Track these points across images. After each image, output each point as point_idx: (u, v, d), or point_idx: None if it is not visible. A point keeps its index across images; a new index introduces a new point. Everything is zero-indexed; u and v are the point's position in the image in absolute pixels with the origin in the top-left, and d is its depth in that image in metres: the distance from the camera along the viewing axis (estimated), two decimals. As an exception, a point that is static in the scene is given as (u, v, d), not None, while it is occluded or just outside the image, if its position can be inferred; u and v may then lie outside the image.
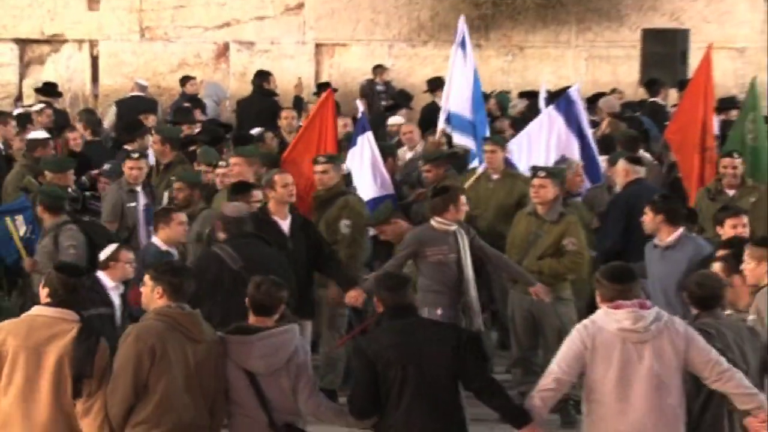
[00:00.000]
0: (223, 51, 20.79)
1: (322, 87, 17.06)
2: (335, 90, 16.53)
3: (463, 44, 14.10)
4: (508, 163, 12.78)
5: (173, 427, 6.96)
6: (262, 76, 18.25)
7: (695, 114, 13.41)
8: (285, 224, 10.56)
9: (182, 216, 10.59)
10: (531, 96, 16.56)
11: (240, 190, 11.01)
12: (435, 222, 10.34)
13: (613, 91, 18.27)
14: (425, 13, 20.75)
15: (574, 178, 12.08)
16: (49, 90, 17.88)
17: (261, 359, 7.09)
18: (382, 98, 18.77)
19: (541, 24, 20.84)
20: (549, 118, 13.21)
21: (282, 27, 20.70)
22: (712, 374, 6.71)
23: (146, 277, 7.27)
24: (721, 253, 8.07)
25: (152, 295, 7.18)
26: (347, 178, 12.31)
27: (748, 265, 7.78)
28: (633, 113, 16.14)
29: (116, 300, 9.31)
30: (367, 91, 19.24)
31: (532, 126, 13.47)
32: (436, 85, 17.64)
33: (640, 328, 6.69)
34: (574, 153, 12.76)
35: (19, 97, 19.33)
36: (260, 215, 10.59)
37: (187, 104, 17.21)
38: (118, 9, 20.39)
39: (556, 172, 11.54)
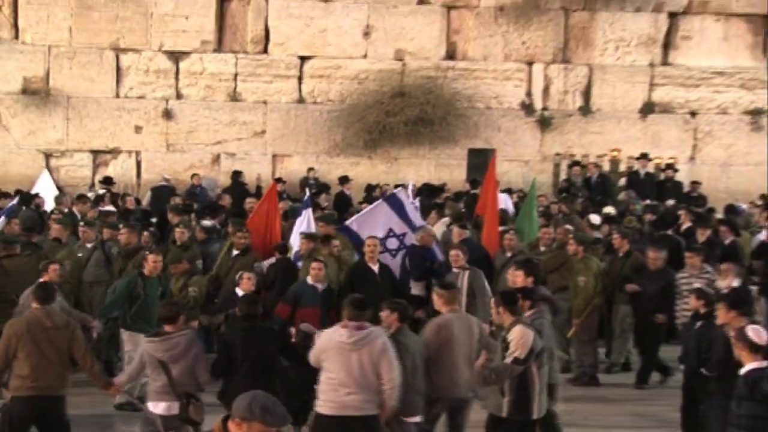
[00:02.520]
0: (216, 159, 23.31)
1: (277, 180, 19.58)
2: (284, 182, 20.95)
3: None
4: (350, 234, 13.57)
5: (38, 383, 7.80)
6: (237, 174, 21.51)
7: (489, 197, 15.07)
8: (376, 268, 12.09)
9: (319, 264, 11.27)
10: (403, 187, 16.58)
11: (325, 240, 12.66)
12: (455, 269, 11.81)
13: (444, 184, 21.49)
14: (338, 137, 23.44)
15: (425, 237, 13.26)
16: (107, 181, 21.13)
17: (164, 352, 7.90)
18: (312, 188, 19.65)
19: (407, 144, 23.58)
20: (382, 205, 14.00)
21: (252, 144, 23.35)
22: (385, 378, 7.52)
23: (28, 290, 8.14)
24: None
25: (31, 302, 8.17)
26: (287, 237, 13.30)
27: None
28: (459, 199, 18.92)
29: None
30: (304, 183, 21.45)
31: (370, 209, 14.23)
32: (344, 181, 21.29)
33: (350, 342, 7.45)
34: (403, 228, 13.47)
35: (92, 186, 21.94)
36: (361, 263, 12.32)
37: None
38: (153, 133, 23.23)
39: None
